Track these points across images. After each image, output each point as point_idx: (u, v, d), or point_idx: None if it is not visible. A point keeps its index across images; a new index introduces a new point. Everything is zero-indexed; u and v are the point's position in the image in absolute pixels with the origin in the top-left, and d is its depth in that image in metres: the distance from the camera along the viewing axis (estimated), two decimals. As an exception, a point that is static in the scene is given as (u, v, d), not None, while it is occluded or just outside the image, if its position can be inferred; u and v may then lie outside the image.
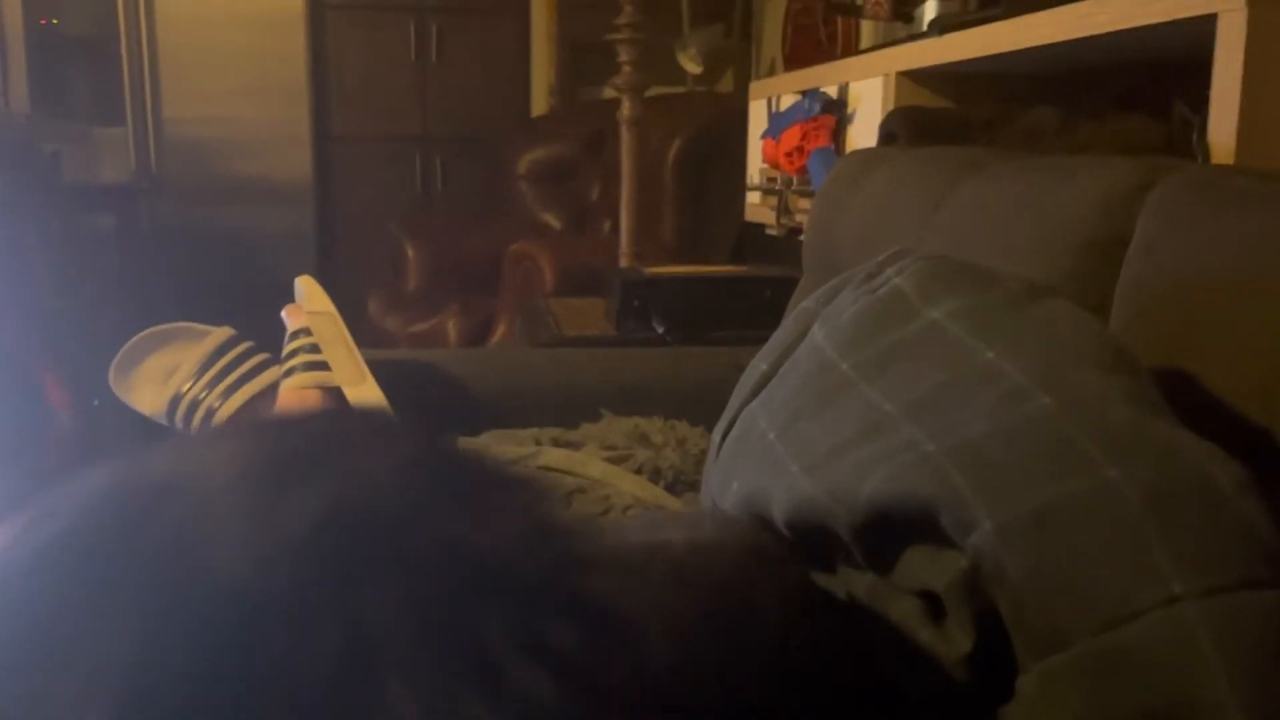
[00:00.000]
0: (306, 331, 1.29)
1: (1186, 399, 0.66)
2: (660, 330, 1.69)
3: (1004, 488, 0.53)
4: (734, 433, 0.78)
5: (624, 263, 2.26)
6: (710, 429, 1.28)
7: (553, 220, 3.50)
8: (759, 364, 0.83)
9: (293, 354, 1.28)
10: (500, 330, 2.78)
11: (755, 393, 0.79)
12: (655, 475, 1.24)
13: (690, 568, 0.58)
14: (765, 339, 0.88)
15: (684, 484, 1.24)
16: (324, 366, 1.27)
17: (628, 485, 1.19)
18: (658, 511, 1.09)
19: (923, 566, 0.57)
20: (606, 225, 3.28)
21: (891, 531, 0.58)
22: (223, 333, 1.34)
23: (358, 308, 3.08)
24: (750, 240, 2.70)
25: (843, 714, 0.58)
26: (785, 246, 2.15)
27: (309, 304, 1.33)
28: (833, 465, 0.62)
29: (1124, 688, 0.47)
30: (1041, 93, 1.48)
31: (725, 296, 1.76)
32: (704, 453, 1.27)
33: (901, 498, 0.56)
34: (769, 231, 2.14)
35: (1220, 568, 0.48)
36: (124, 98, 3.51)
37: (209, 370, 1.31)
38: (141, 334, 1.33)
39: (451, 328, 2.95)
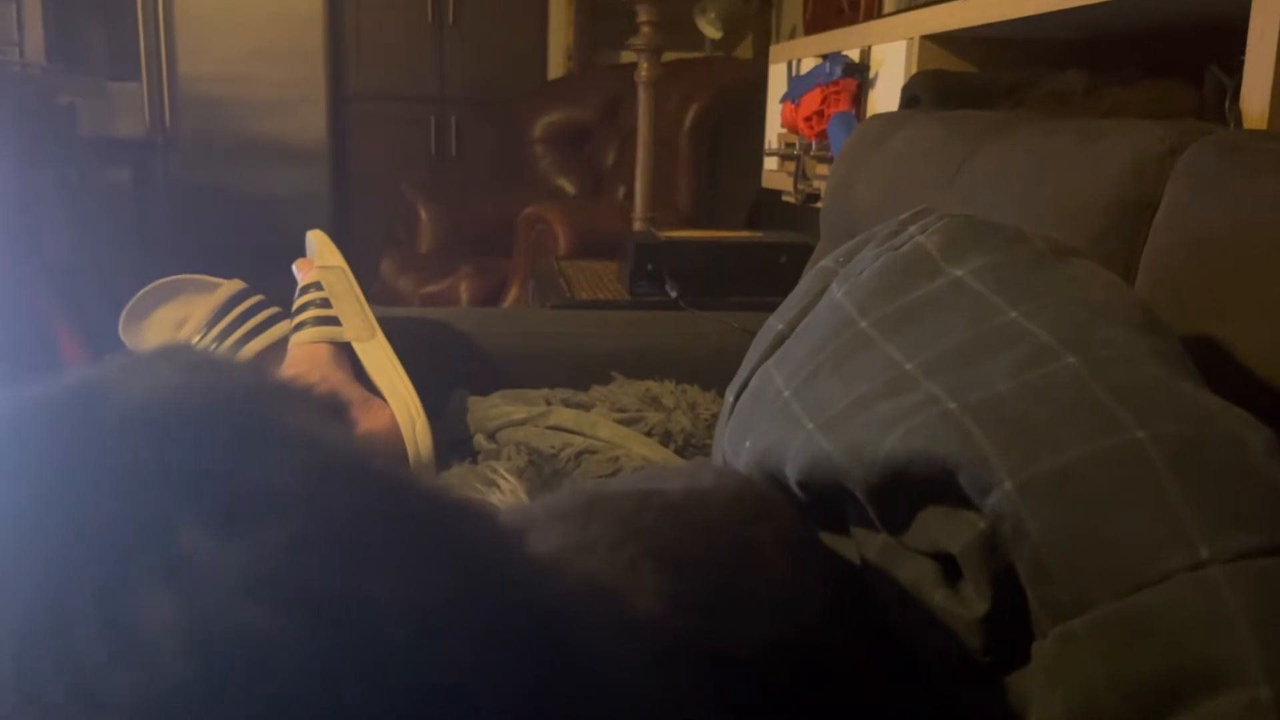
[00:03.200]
0: (317, 285, 1.28)
1: (1214, 365, 0.65)
2: (673, 294, 1.66)
3: (1027, 446, 0.51)
4: (748, 391, 0.77)
5: (638, 227, 2.24)
6: (722, 394, 1.26)
7: (567, 185, 3.47)
8: (775, 323, 0.81)
9: (303, 308, 1.27)
10: (512, 293, 2.77)
11: (771, 351, 0.77)
12: (666, 438, 1.23)
13: (685, 510, 0.57)
14: (779, 305, 0.86)
15: (695, 448, 1.23)
16: (334, 321, 1.26)
17: (638, 447, 1.18)
18: (658, 465, 1.08)
19: (939, 527, 0.56)
20: (621, 191, 3.25)
21: (908, 490, 0.57)
22: (233, 285, 1.33)
23: (370, 268, 3.07)
24: (766, 207, 2.67)
25: (849, 667, 0.56)
26: (801, 214, 2.12)
27: (320, 258, 1.32)
28: (850, 422, 0.60)
29: (1147, 652, 0.46)
30: (1069, 58, 1.45)
31: (740, 261, 1.74)
32: (715, 417, 1.26)
33: (920, 455, 0.54)
34: (785, 198, 2.12)
35: (1249, 532, 0.46)
36: (139, 53, 3.49)
37: (219, 322, 1.30)
38: (152, 284, 1.32)
39: (464, 290, 2.93)
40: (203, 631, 0.27)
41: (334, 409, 0.36)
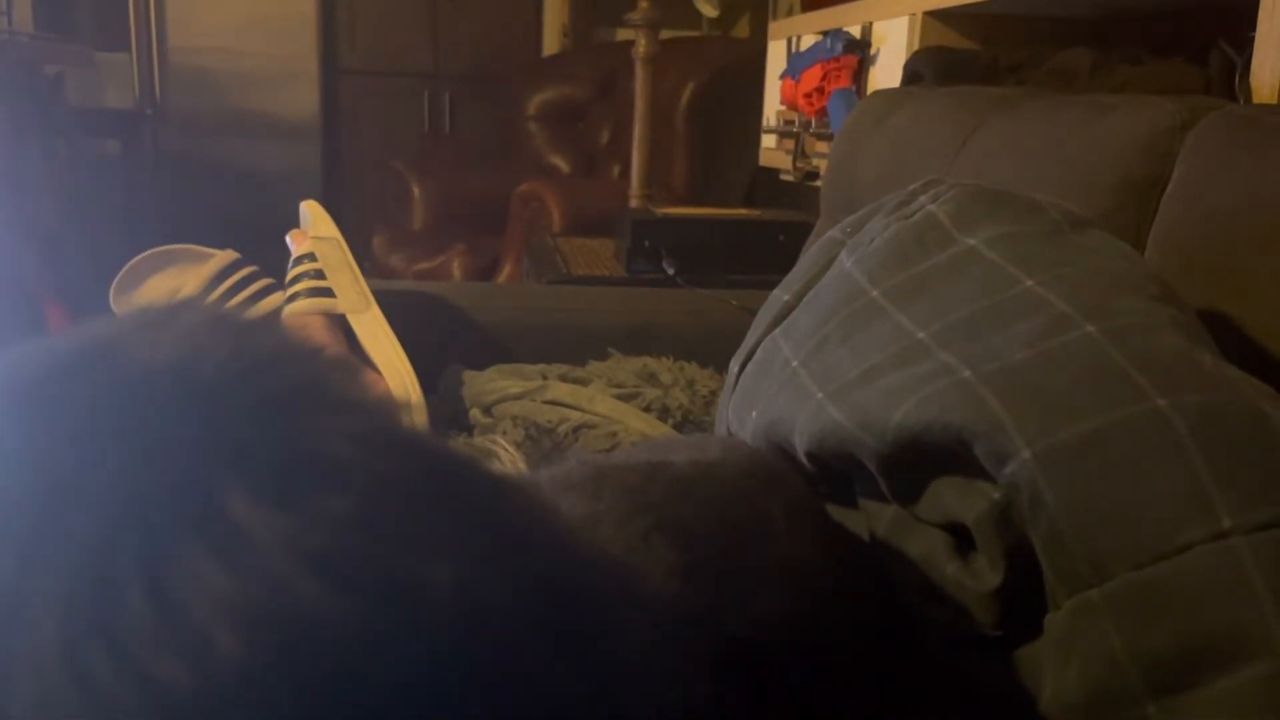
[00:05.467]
0: (311, 257, 1.26)
1: (1224, 339, 0.64)
2: (670, 271, 1.65)
3: (1045, 415, 0.50)
4: (754, 361, 0.76)
5: (634, 204, 2.22)
6: (720, 371, 1.25)
7: (561, 163, 3.44)
8: (780, 294, 0.80)
9: (296, 279, 1.25)
10: (505, 271, 2.75)
11: (777, 322, 0.76)
12: (663, 414, 1.22)
13: (694, 481, 0.56)
14: (777, 283, 0.85)
15: (692, 424, 1.22)
16: (328, 293, 1.24)
17: (635, 422, 1.17)
18: (660, 438, 1.07)
19: (952, 498, 0.55)
20: (615, 170, 3.23)
21: (921, 460, 0.56)
22: (226, 255, 1.31)
23: (362, 245, 3.04)
24: (763, 187, 2.66)
25: (860, 641, 0.56)
26: (799, 194, 2.11)
27: (314, 229, 1.30)
28: (861, 392, 0.59)
29: (1166, 623, 0.45)
30: (1074, 36, 1.44)
31: (738, 239, 1.73)
32: (713, 394, 1.25)
33: (934, 425, 0.53)
34: (783, 176, 2.10)
35: (1272, 504, 0.46)
36: (128, 23, 3.45)
37: (212, 293, 1.28)
38: (144, 254, 1.30)
39: (456, 267, 2.91)
40: (257, 607, 0.25)
41: (351, 372, 0.34)
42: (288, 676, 0.25)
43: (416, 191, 3.30)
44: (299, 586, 0.25)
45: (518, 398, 1.21)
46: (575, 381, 1.26)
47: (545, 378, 1.26)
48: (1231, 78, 1.08)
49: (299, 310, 1.23)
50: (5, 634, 0.25)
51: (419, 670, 0.27)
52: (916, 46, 1.55)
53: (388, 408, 0.31)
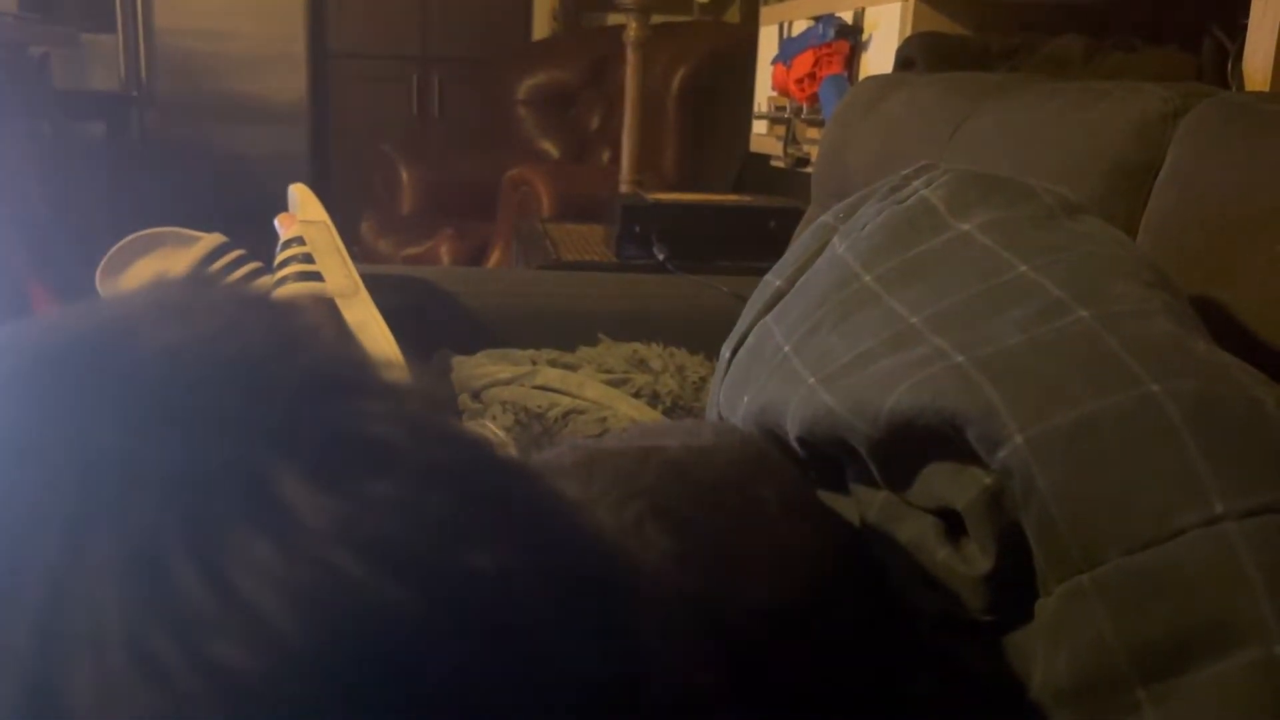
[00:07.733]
0: (299, 240, 1.26)
1: (1215, 326, 0.64)
2: (660, 257, 1.65)
3: (1038, 400, 0.50)
4: (746, 346, 0.75)
5: (624, 190, 2.21)
6: (710, 357, 1.25)
7: (551, 148, 3.43)
8: (772, 280, 0.80)
9: (285, 263, 1.24)
10: (494, 256, 2.74)
11: (769, 307, 0.76)
12: (653, 400, 1.22)
13: (686, 466, 0.55)
14: (768, 270, 0.85)
15: (682, 410, 1.22)
16: (317, 277, 1.23)
17: (625, 408, 1.17)
18: (651, 423, 1.07)
19: (944, 483, 0.55)
20: (605, 155, 3.21)
21: (913, 446, 0.56)
22: (213, 239, 1.30)
23: (351, 229, 3.03)
24: (753, 173, 2.65)
25: (850, 626, 0.56)
26: (789, 180, 2.11)
27: (302, 212, 1.29)
28: (853, 377, 0.59)
29: (1158, 608, 0.45)
30: (1066, 22, 1.43)
31: (728, 225, 1.72)
32: (703, 380, 1.25)
33: (927, 410, 0.53)
34: (774, 163, 2.10)
35: (1265, 489, 0.46)
36: (115, 4, 3.41)
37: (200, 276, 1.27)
38: (131, 236, 1.29)
39: (445, 252, 2.90)
40: (312, 590, 0.25)
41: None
42: (344, 660, 0.25)
43: (405, 175, 3.28)
44: (350, 571, 0.25)
45: (507, 383, 1.21)
46: (565, 367, 1.26)
47: (535, 363, 1.25)
48: (1224, 65, 1.08)
49: (287, 294, 1.22)
50: (58, 614, 0.24)
51: (459, 656, 0.26)
52: (909, 32, 1.54)
53: (417, 394, 0.31)
